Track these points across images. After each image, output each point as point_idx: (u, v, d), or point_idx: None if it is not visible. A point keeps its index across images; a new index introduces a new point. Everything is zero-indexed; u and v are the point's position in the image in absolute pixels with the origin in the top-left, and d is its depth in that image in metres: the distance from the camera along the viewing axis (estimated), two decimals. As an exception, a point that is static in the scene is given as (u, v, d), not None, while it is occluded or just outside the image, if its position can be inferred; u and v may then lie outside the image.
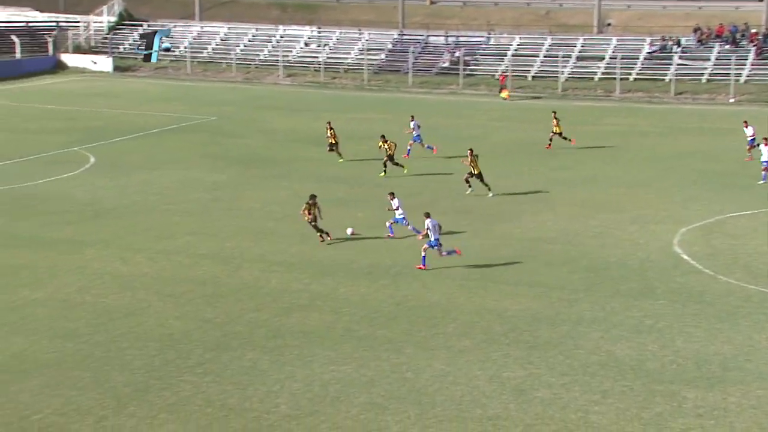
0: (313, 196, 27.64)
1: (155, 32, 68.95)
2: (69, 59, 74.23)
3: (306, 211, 27.55)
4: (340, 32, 77.57)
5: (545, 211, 32.50)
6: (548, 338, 20.99)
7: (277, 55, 73.55)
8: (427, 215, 25.84)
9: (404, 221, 28.43)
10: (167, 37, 68.69)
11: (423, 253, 25.60)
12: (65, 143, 43.58)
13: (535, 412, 17.43)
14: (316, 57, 73.63)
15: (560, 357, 19.96)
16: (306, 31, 78.36)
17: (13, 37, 72.30)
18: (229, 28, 79.79)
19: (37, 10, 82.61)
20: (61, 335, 20.55)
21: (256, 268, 25.58)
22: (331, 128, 39.35)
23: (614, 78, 63.75)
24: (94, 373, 18.61)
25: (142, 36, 68.98)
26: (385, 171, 36.80)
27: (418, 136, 40.76)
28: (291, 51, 75.58)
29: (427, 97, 63.74)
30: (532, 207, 33.03)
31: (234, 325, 21.42)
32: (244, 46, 77.13)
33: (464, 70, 68.03)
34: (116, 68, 73.50)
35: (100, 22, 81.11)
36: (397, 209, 28.31)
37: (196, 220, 29.88)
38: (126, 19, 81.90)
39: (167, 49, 68.08)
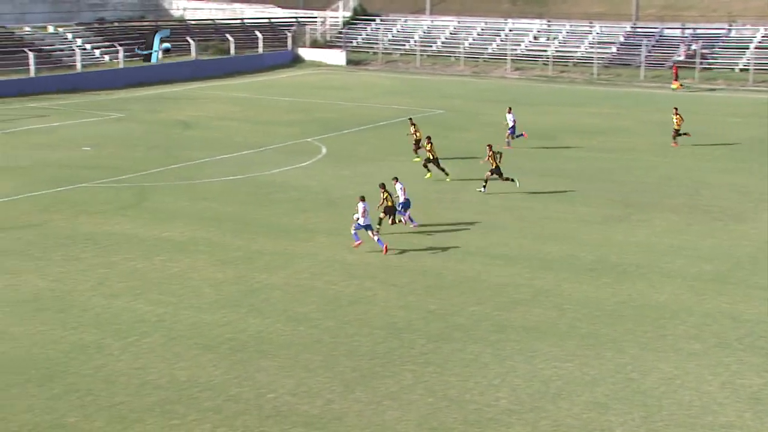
0: (382, 185, 27.86)
1: (155, 33, 71.46)
2: (306, 53, 77.50)
3: (387, 200, 27.74)
4: (570, 25, 76.39)
5: (787, 212, 30.66)
6: (787, 347, 19.81)
7: (506, 49, 73.42)
8: (362, 198, 26.13)
9: (401, 208, 28.52)
10: (166, 38, 71.64)
11: (353, 231, 26.26)
12: (300, 134, 45.51)
13: (771, 424, 16.52)
14: (545, 50, 72.89)
15: (800, 367, 18.80)
16: (535, 25, 77.79)
17: (257, 33, 76.34)
18: (458, 21, 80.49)
19: (279, 6, 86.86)
20: (294, 319, 21.49)
21: (477, 261, 25.68)
22: (412, 124, 39.10)
23: None
24: (324, 357, 19.33)
25: (141, 36, 71.75)
26: (445, 172, 35.53)
27: (513, 128, 41.43)
28: (519, 44, 75.23)
29: (659, 92, 61.62)
30: (772, 207, 31.27)
31: (456, 317, 21.63)
32: (473, 39, 77.55)
33: (701, 63, 65.25)
34: (349, 62, 75.99)
35: (336, 17, 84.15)
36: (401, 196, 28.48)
37: (418, 212, 30.33)
38: (360, 14, 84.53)
39: (167, 50, 70.72)
